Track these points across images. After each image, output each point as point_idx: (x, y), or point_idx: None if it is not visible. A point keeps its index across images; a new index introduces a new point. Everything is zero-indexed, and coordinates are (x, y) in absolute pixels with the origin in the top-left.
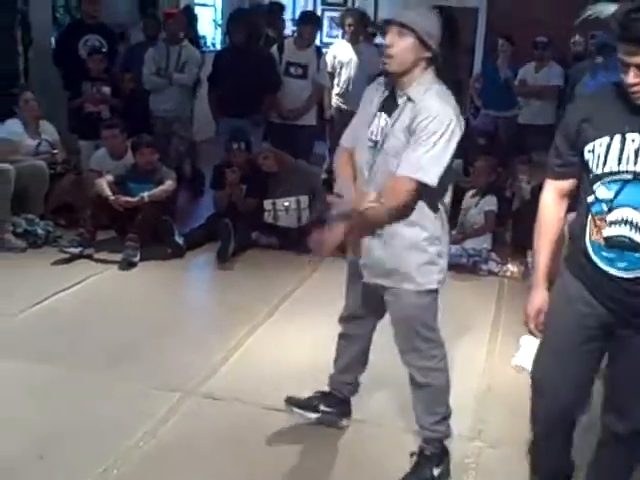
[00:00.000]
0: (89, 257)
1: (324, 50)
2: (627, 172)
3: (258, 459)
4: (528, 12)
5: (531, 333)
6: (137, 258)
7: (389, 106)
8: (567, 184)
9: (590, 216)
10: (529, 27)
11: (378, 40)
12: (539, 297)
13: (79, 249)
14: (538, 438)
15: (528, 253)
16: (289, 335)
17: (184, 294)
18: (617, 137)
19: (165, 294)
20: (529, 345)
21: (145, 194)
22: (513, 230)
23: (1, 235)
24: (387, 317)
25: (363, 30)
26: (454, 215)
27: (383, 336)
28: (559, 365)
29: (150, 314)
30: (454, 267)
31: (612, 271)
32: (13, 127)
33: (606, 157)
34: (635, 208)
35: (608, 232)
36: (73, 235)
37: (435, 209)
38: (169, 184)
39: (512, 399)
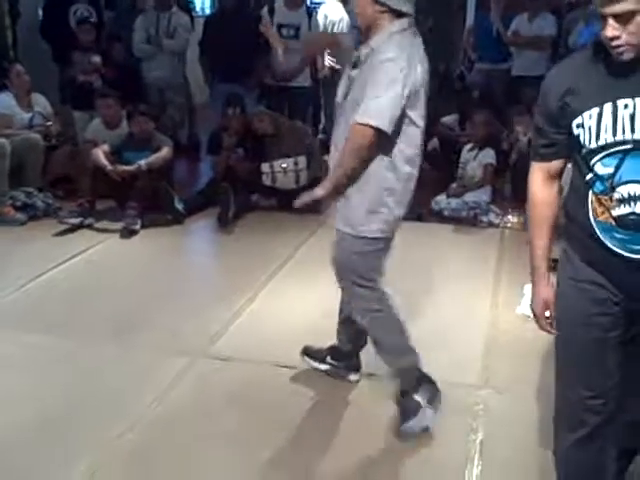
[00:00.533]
0: (90, 227)
1: (315, 10)
2: (625, 142)
3: (268, 417)
4: None
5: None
6: (138, 226)
7: (356, 60)
8: (555, 165)
9: (593, 195)
10: None
11: None
12: (543, 291)
13: (79, 219)
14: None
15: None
16: (293, 296)
17: (186, 260)
18: (607, 105)
19: (167, 261)
20: None
21: (142, 162)
22: (512, 182)
23: (1, 209)
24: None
25: None
26: (453, 169)
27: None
28: (593, 376)
29: (154, 281)
30: (454, 220)
31: (626, 253)
32: (5, 101)
33: (598, 129)
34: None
35: (618, 212)
36: (72, 206)
37: (387, 158)
38: (166, 151)
39: (518, 347)
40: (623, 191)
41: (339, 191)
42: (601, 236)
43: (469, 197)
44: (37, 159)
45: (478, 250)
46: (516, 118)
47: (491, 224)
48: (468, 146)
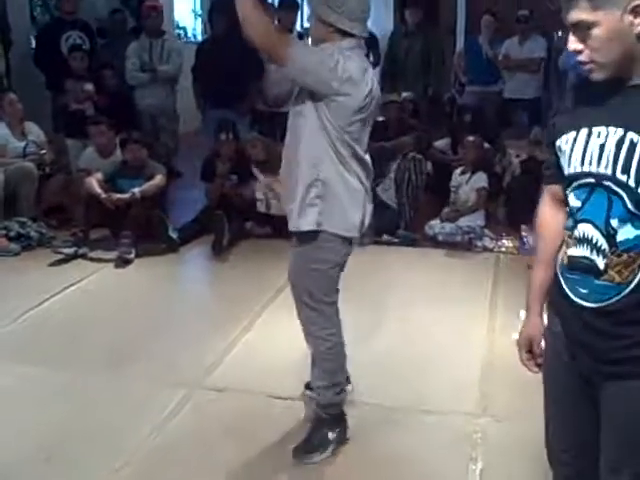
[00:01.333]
0: (84, 256)
1: (307, 35)
2: (590, 174)
3: (265, 449)
4: None
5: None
6: (132, 255)
7: None
8: (556, 189)
9: (564, 230)
10: (509, 1)
11: None
12: (530, 324)
13: (73, 249)
14: None
15: (522, 227)
16: (288, 324)
17: (182, 289)
18: (583, 131)
19: (163, 290)
20: None
21: (136, 190)
22: (506, 205)
23: None
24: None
25: None
26: (445, 193)
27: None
28: (564, 430)
29: (149, 311)
30: (449, 244)
31: (573, 296)
32: None
33: (570, 156)
34: (595, 225)
35: (571, 251)
36: (66, 235)
37: (330, 151)
38: (159, 179)
39: (516, 373)
40: (580, 229)
41: None
42: (560, 275)
43: (463, 222)
44: (31, 188)
45: (473, 275)
46: (508, 141)
47: (485, 248)
48: (459, 170)
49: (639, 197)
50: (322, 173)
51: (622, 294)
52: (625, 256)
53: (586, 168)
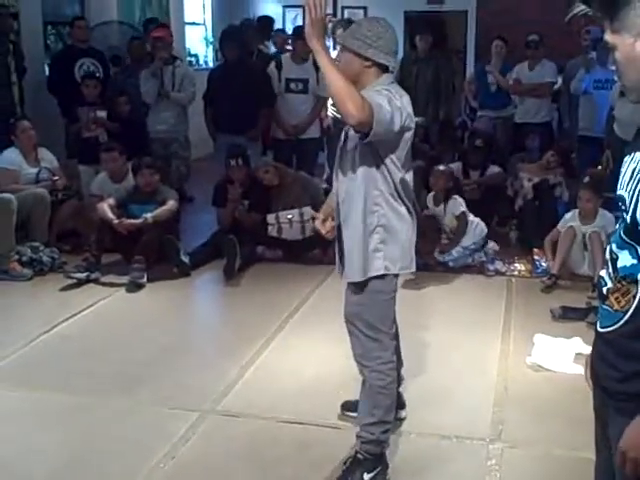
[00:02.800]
0: (96, 281)
1: None
2: (621, 198)
3: (278, 474)
4: (517, 12)
5: None
6: (144, 279)
7: None
8: None
9: None
10: (519, 26)
11: None
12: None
13: (85, 274)
14: None
15: (534, 251)
16: (301, 349)
17: (193, 313)
18: (635, 155)
19: (175, 314)
20: (543, 343)
21: (148, 215)
22: (517, 229)
23: (7, 265)
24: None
25: None
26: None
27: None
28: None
29: (161, 335)
30: (461, 269)
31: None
32: (11, 157)
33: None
34: (611, 247)
35: (601, 271)
36: (78, 260)
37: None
38: (171, 204)
39: (530, 398)
40: (608, 249)
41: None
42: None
43: (465, 242)
44: (43, 214)
45: (486, 299)
46: (520, 165)
47: (498, 272)
48: (430, 204)
49: (627, 224)
50: (382, 218)
51: (619, 323)
52: (623, 283)
53: (618, 191)
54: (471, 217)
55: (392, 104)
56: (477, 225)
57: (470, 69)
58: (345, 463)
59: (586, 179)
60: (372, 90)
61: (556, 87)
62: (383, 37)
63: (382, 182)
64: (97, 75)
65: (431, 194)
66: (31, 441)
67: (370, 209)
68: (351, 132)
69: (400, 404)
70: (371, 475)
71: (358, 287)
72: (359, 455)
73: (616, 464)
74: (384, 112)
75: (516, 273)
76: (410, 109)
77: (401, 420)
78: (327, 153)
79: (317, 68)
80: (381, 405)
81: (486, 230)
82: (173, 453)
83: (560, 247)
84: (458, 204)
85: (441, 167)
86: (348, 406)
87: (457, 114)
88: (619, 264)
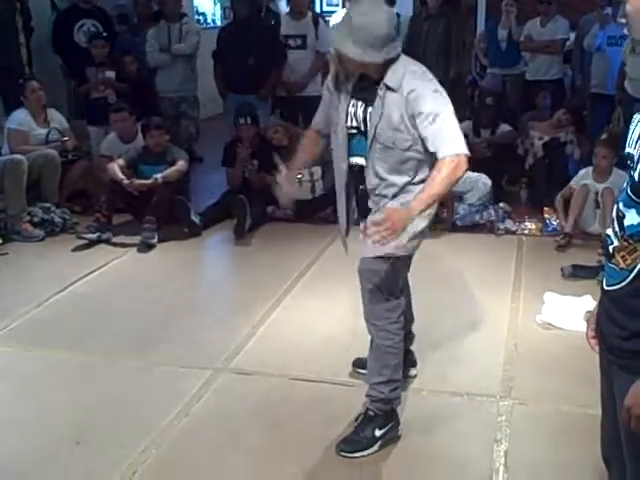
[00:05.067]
0: (107, 242)
1: (322, 18)
2: (628, 155)
3: (290, 431)
4: None
5: None
6: (155, 240)
7: (365, 94)
8: None
9: None
10: None
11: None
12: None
13: (97, 234)
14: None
15: (545, 209)
16: (312, 307)
17: (204, 273)
18: None
19: (186, 274)
20: (553, 301)
21: (158, 175)
22: (528, 187)
23: (19, 226)
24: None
25: None
26: None
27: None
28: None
29: (173, 295)
30: (471, 228)
31: (604, 277)
32: (21, 118)
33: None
34: (618, 206)
35: (608, 230)
36: (89, 221)
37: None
38: (181, 164)
39: (540, 356)
40: (615, 208)
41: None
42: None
43: (470, 200)
44: (54, 175)
45: (496, 258)
46: (531, 123)
47: (508, 231)
48: None
49: (635, 182)
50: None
51: (625, 281)
52: (629, 242)
53: (627, 149)
54: (473, 174)
55: (447, 101)
56: (479, 180)
57: (481, 26)
58: (357, 419)
59: (604, 135)
60: (420, 84)
61: (569, 43)
62: (380, 31)
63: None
64: (104, 35)
65: None
66: (46, 399)
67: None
68: (386, 124)
69: (411, 362)
70: (383, 431)
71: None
72: (370, 412)
73: (621, 420)
74: (455, 127)
75: (526, 232)
76: (436, 82)
77: (412, 378)
78: None
79: (315, 23)
80: (389, 364)
81: (489, 183)
82: (187, 411)
83: (573, 205)
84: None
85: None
86: (359, 363)
87: (468, 72)
88: (626, 222)
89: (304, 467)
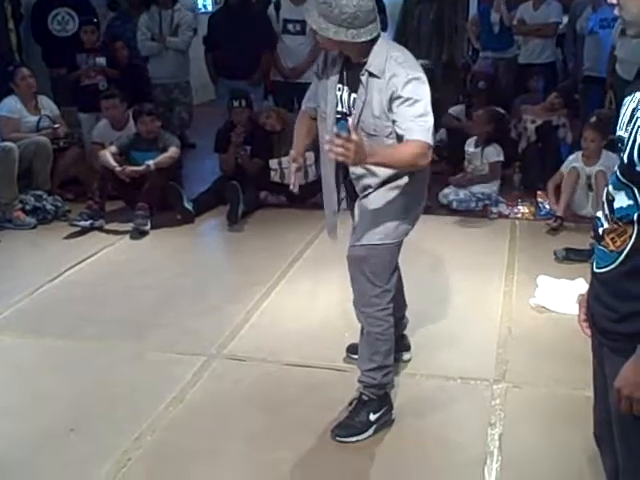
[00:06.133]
0: (100, 229)
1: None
2: (620, 138)
3: (285, 416)
4: None
5: None
6: (148, 226)
7: (350, 79)
8: None
9: None
10: None
11: None
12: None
13: (89, 222)
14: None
15: (538, 193)
16: (305, 293)
17: (197, 259)
18: (635, 95)
19: (179, 260)
20: (547, 284)
21: (151, 162)
22: (521, 171)
23: (10, 214)
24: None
25: None
26: (458, 160)
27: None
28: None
29: (166, 281)
30: (464, 212)
31: (594, 260)
32: (12, 105)
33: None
34: (608, 189)
35: (598, 212)
36: (82, 208)
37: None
38: (173, 150)
39: (534, 339)
40: (605, 191)
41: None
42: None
43: (476, 189)
44: (46, 162)
45: (489, 241)
46: (523, 106)
47: (501, 215)
48: (471, 141)
49: (624, 165)
50: (418, 187)
51: (615, 263)
52: (619, 224)
53: (618, 132)
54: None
55: (424, 84)
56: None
57: (473, 10)
58: (351, 404)
59: (592, 119)
60: (402, 71)
61: (562, 27)
62: (346, 10)
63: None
64: (94, 21)
65: (473, 138)
66: (40, 387)
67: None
68: (368, 110)
69: (405, 346)
70: (377, 415)
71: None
72: (364, 396)
73: (612, 402)
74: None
75: (519, 216)
76: (420, 69)
77: (405, 362)
78: None
79: None
80: (380, 351)
81: (497, 184)
82: (181, 397)
83: (564, 189)
84: (495, 152)
85: (480, 111)
86: (353, 349)
87: (460, 56)
88: (615, 205)
89: (299, 452)
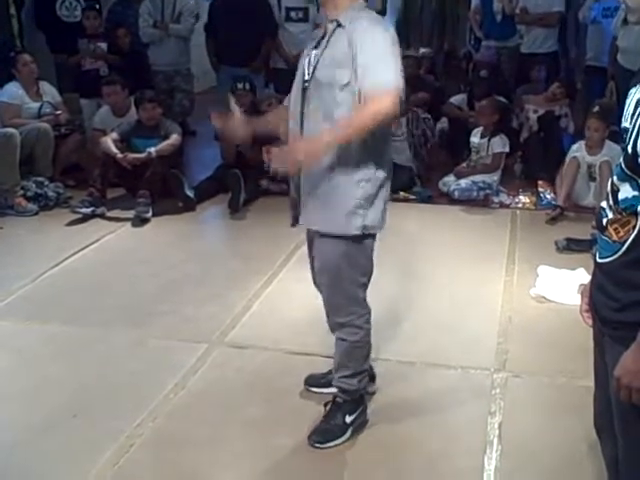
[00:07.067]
0: (101, 216)
1: None
2: (625, 129)
3: (286, 404)
4: None
5: None
6: (149, 214)
7: (319, 41)
8: None
9: None
10: None
11: None
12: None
13: (91, 209)
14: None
15: (539, 183)
16: (307, 281)
17: (199, 247)
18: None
19: (180, 248)
20: (547, 274)
21: (152, 149)
22: (522, 161)
23: (12, 200)
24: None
25: None
26: (460, 149)
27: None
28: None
29: (168, 269)
30: (465, 201)
31: (597, 250)
32: (13, 91)
33: (623, 110)
34: (613, 180)
35: (603, 203)
36: (83, 195)
37: (373, 147)
38: (175, 138)
39: (534, 329)
40: (610, 182)
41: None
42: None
43: (478, 177)
44: (47, 148)
45: (490, 231)
46: (525, 96)
47: (502, 205)
48: (477, 131)
49: (629, 156)
50: (371, 170)
51: (618, 253)
52: (623, 214)
53: (623, 124)
54: None
55: (396, 56)
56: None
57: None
58: (325, 407)
59: (595, 108)
60: (371, 23)
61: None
62: None
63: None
64: (96, 7)
65: (479, 129)
66: (43, 373)
67: (356, 160)
68: (326, 58)
69: (370, 377)
70: (353, 417)
71: (333, 240)
72: (338, 399)
73: (612, 391)
74: (399, 77)
75: (520, 205)
76: (392, 33)
77: (370, 395)
78: None
79: None
80: (357, 357)
81: (499, 173)
82: (183, 384)
83: (565, 178)
84: (501, 143)
85: (484, 102)
86: (312, 380)
87: (462, 45)
88: (620, 196)
89: (300, 439)
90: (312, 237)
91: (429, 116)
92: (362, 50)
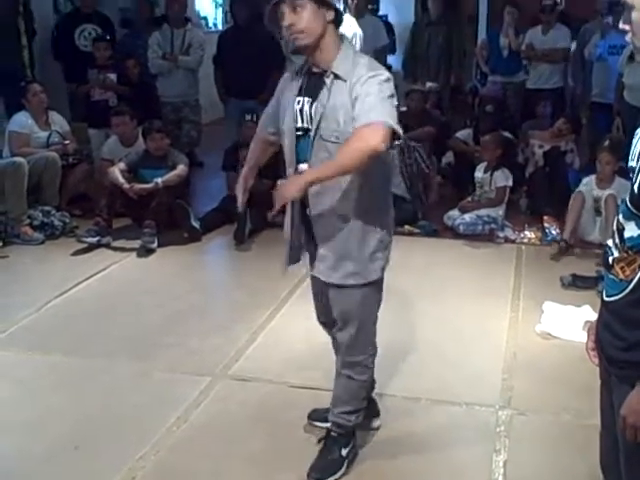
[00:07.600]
0: (107, 246)
1: None
2: (631, 168)
3: (289, 438)
4: None
5: None
6: (155, 244)
7: (312, 88)
8: None
9: None
10: None
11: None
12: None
13: (97, 238)
14: None
15: (544, 218)
16: (311, 314)
17: (204, 278)
18: None
19: (185, 279)
20: (552, 311)
21: (159, 180)
22: (528, 196)
23: (19, 229)
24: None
25: (365, 3)
26: (465, 184)
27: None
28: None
29: (172, 300)
30: (470, 236)
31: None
32: (22, 120)
33: (633, 148)
34: (619, 218)
35: (608, 241)
36: (89, 225)
37: (382, 189)
38: (182, 168)
39: (539, 365)
40: (615, 220)
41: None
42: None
43: (483, 211)
44: (55, 178)
45: (495, 266)
46: (531, 131)
47: (507, 240)
48: (481, 166)
49: (635, 195)
50: (382, 213)
51: (624, 292)
52: (629, 253)
53: (630, 163)
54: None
55: (392, 105)
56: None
57: (482, 34)
58: (320, 442)
59: (606, 142)
60: (370, 73)
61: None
62: None
63: (379, 171)
64: (107, 38)
65: (483, 164)
66: (45, 403)
67: (369, 204)
68: (330, 113)
69: (375, 412)
70: (347, 449)
71: (353, 288)
72: (333, 433)
73: (619, 430)
74: (394, 118)
75: (526, 241)
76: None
77: (375, 430)
78: None
79: None
80: (360, 397)
81: (504, 208)
82: (186, 417)
83: (570, 212)
84: (504, 177)
85: (487, 137)
86: (316, 415)
87: (468, 79)
88: (626, 235)
89: (303, 474)
90: (320, 284)
91: (420, 144)
92: (361, 100)
